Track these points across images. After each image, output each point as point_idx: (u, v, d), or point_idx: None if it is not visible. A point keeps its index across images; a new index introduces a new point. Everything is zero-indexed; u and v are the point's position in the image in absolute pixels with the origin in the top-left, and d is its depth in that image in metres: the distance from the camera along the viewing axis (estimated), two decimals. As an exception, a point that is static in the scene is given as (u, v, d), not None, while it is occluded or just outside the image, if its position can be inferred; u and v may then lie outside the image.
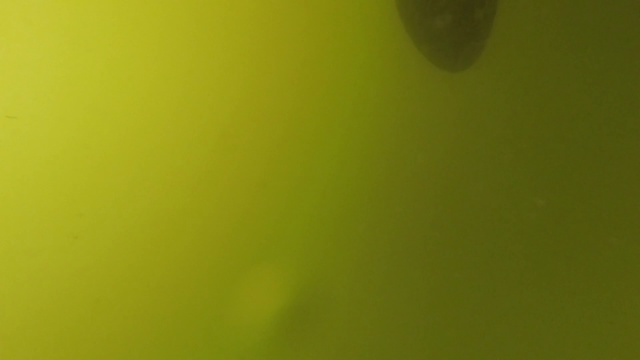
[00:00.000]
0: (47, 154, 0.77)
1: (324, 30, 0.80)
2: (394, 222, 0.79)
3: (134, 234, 0.77)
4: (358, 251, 0.79)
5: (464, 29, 0.77)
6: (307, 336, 0.77)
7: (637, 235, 0.79)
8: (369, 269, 0.78)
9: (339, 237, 0.79)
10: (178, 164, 0.78)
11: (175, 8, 0.79)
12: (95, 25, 0.78)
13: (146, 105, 0.78)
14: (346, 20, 0.80)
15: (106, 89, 0.78)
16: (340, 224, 0.79)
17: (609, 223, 0.79)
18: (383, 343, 0.78)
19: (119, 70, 0.78)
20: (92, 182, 0.77)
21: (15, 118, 0.76)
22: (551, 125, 0.80)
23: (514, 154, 0.80)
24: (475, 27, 0.77)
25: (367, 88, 0.80)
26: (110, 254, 0.77)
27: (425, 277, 0.78)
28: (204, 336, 0.77)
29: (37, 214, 0.76)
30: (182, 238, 0.78)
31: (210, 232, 0.78)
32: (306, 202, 0.79)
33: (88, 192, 0.77)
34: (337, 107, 0.80)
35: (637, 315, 0.78)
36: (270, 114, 0.79)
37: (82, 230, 0.77)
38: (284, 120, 0.79)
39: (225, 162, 0.79)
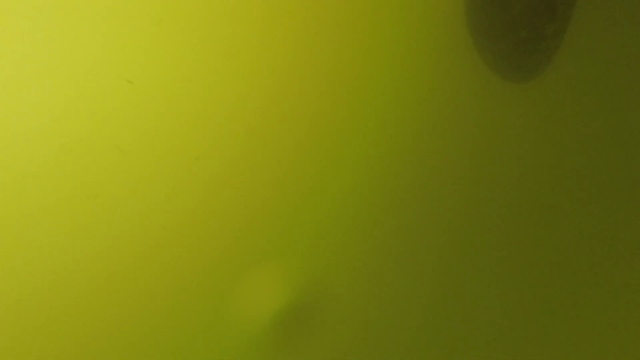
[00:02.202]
0: (58, 146, 0.77)
1: (384, 34, 0.80)
2: (408, 228, 0.79)
3: (137, 232, 0.77)
4: (365, 252, 0.78)
5: (533, 43, 0.76)
6: (307, 336, 0.77)
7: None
8: (370, 269, 0.78)
9: (345, 239, 0.78)
10: (188, 162, 0.78)
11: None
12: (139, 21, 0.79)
13: (169, 100, 0.78)
14: (412, 25, 0.80)
15: (127, 89, 0.78)
16: (351, 226, 0.79)
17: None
18: (383, 343, 0.78)
19: (146, 67, 0.78)
20: (101, 177, 0.77)
21: (132, 83, 0.77)
22: (612, 150, 0.79)
23: (560, 172, 0.79)
24: (543, 42, 0.76)
25: (427, 92, 0.80)
26: (112, 253, 0.76)
27: (427, 278, 0.78)
28: (205, 335, 0.77)
29: (40, 206, 0.76)
30: (187, 236, 0.77)
31: (217, 230, 0.78)
32: (317, 203, 0.79)
33: (96, 186, 0.77)
34: (392, 112, 0.80)
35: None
36: (303, 115, 0.79)
37: (89, 223, 0.77)
38: (324, 120, 0.79)
39: (237, 161, 0.78)
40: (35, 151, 0.77)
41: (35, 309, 0.75)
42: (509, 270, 0.78)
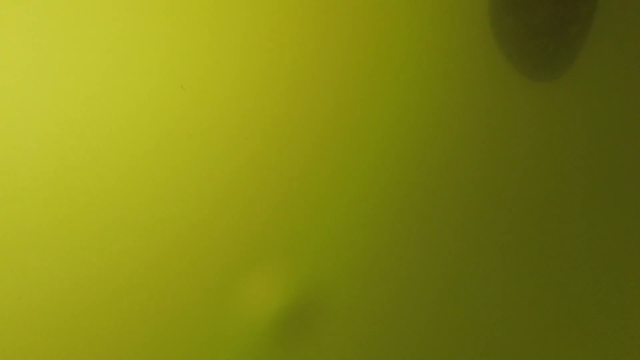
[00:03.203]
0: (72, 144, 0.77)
1: (409, 32, 0.80)
2: (413, 228, 0.78)
3: (137, 231, 0.76)
4: (369, 251, 0.78)
5: (557, 44, 0.77)
6: (308, 336, 0.77)
7: None
8: (374, 269, 0.78)
9: (349, 238, 0.78)
10: (192, 161, 0.77)
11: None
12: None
13: (178, 102, 0.78)
14: (436, 26, 0.80)
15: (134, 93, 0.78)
16: (356, 225, 0.78)
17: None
18: (385, 344, 0.77)
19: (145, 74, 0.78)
20: (104, 183, 0.77)
21: (186, 90, 0.77)
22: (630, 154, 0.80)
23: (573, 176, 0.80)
24: (568, 42, 0.77)
25: (450, 90, 0.80)
26: (112, 252, 0.76)
27: (428, 279, 0.78)
28: (207, 335, 0.76)
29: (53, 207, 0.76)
30: (189, 237, 0.77)
31: (220, 231, 0.77)
32: (323, 204, 0.78)
33: (104, 192, 0.77)
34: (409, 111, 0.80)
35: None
36: (318, 114, 0.79)
37: (95, 226, 0.76)
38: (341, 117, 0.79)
39: (242, 161, 0.78)
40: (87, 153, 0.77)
41: (35, 309, 0.75)
42: (515, 271, 0.78)
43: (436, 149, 0.79)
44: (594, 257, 0.78)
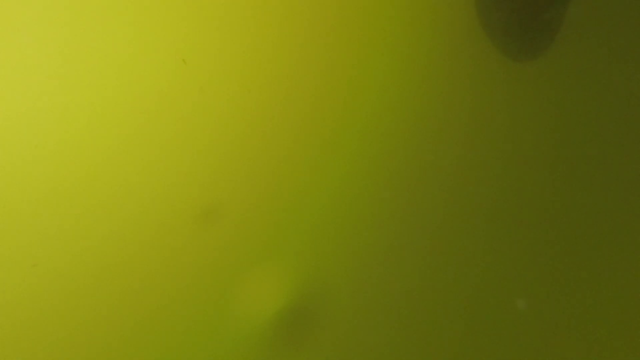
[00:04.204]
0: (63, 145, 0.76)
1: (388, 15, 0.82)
2: (403, 223, 0.78)
3: (137, 232, 0.76)
4: (365, 250, 0.78)
5: (537, 26, 0.81)
6: (307, 336, 0.76)
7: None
8: (369, 268, 0.77)
9: (343, 237, 0.77)
10: (186, 163, 0.77)
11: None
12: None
13: (163, 105, 0.78)
14: (424, 12, 0.82)
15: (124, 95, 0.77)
16: (348, 225, 0.78)
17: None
18: (384, 344, 0.76)
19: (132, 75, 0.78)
20: (102, 182, 0.76)
21: (187, 63, 0.76)
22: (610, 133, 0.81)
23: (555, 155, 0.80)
24: (545, 24, 0.81)
25: (430, 72, 0.81)
26: (111, 253, 0.76)
27: (428, 279, 0.77)
28: (205, 335, 0.75)
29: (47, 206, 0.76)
30: (186, 235, 0.76)
31: (216, 230, 0.77)
32: (317, 202, 0.78)
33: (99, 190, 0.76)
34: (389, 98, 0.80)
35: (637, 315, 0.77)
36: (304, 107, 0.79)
37: (93, 226, 0.76)
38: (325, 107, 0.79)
39: (238, 160, 0.78)
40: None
41: (35, 309, 0.75)
42: (509, 265, 0.78)
43: (424, 133, 0.80)
44: (580, 238, 0.79)
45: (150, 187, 0.77)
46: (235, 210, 0.78)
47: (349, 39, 0.81)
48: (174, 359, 0.75)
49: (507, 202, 0.79)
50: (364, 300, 0.77)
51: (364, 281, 0.77)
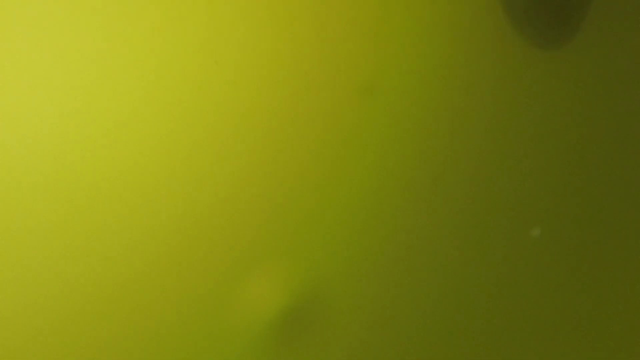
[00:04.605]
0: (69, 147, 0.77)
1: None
2: (409, 223, 0.78)
3: (137, 232, 0.76)
4: (371, 250, 0.77)
5: (561, 11, 0.78)
6: (307, 336, 0.76)
7: None
8: (376, 269, 0.77)
9: (351, 237, 0.77)
10: (191, 161, 0.77)
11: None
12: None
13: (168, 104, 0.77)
14: None
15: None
16: (353, 225, 0.78)
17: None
18: (386, 345, 0.77)
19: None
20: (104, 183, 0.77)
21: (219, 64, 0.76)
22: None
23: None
24: (571, 10, 0.78)
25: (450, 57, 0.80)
26: (112, 253, 0.76)
27: (428, 279, 0.77)
28: (205, 335, 0.76)
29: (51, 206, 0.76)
30: (189, 236, 0.76)
31: (219, 231, 0.77)
32: (322, 202, 0.77)
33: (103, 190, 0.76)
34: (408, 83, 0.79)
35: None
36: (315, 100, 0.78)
37: (95, 227, 0.76)
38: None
39: (241, 160, 0.78)
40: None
41: (35, 309, 0.75)
42: (520, 265, 0.77)
43: (442, 124, 0.79)
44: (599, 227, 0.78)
45: (148, 187, 0.77)
46: (236, 210, 0.77)
47: (366, 27, 0.79)
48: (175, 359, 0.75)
49: (530, 198, 0.78)
50: (365, 301, 0.77)
51: (366, 282, 0.77)
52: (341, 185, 0.78)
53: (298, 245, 0.77)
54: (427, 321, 0.77)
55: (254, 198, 0.77)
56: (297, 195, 0.77)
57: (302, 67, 0.79)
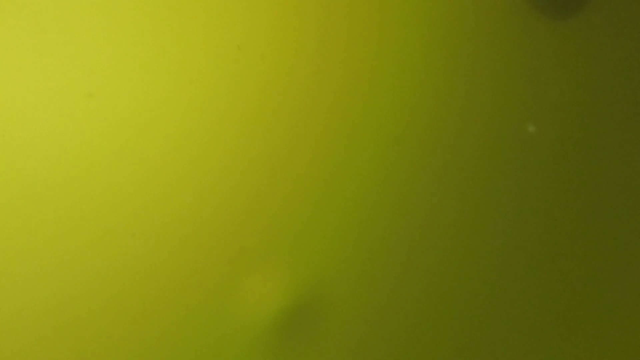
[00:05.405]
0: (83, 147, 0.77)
1: None
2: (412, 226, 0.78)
3: (138, 234, 0.76)
4: (371, 251, 0.77)
5: None
6: (307, 336, 0.76)
7: None
8: (375, 269, 0.77)
9: (351, 237, 0.77)
10: (190, 163, 0.77)
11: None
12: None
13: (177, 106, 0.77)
14: None
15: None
16: (354, 225, 0.78)
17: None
18: (383, 343, 0.77)
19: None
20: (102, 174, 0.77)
21: (94, 96, 0.76)
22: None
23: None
24: None
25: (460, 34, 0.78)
26: (112, 253, 0.76)
27: (428, 279, 0.77)
28: (206, 335, 0.76)
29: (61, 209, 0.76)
30: (190, 237, 0.77)
31: (221, 231, 0.77)
32: (326, 203, 0.77)
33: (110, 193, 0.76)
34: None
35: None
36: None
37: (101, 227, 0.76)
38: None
39: (243, 161, 0.77)
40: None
41: (35, 310, 0.76)
42: (520, 264, 0.77)
43: (452, 99, 0.78)
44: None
45: (150, 190, 0.77)
46: (236, 210, 0.77)
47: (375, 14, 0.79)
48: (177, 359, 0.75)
49: (537, 186, 0.78)
50: (365, 301, 0.77)
51: (367, 282, 0.77)
52: (341, 186, 0.78)
53: (298, 245, 0.77)
54: (427, 321, 0.77)
55: (255, 198, 0.78)
56: (298, 196, 0.77)
57: (302, 67, 0.78)
